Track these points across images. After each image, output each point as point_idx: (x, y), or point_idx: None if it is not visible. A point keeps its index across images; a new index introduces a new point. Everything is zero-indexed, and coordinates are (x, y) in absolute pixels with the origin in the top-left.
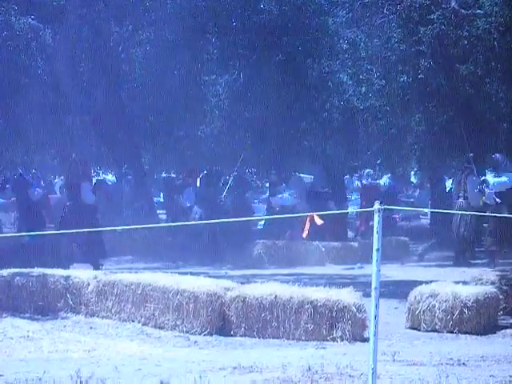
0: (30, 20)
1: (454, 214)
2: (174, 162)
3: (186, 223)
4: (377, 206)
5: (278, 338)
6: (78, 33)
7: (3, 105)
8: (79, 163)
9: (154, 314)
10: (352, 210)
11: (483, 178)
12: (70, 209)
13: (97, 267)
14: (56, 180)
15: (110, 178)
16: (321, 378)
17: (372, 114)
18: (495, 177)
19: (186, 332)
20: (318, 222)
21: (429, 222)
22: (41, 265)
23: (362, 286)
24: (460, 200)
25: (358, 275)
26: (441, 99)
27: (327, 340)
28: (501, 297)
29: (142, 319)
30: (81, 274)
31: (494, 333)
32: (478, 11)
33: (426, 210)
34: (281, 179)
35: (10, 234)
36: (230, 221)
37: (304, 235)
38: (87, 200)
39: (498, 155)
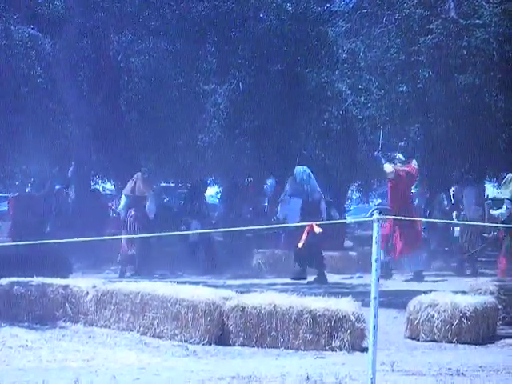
0: (29, 29)
1: (457, 224)
2: (173, 171)
3: (184, 233)
4: (376, 215)
5: (276, 347)
6: (78, 42)
7: (2, 113)
8: (143, 178)
9: (152, 324)
10: (350, 219)
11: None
12: (135, 218)
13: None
14: (57, 186)
15: (109, 186)
16: None
17: (371, 123)
18: None
19: (185, 341)
20: (317, 230)
21: (427, 231)
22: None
23: (361, 295)
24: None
25: (356, 285)
26: (440, 109)
27: (326, 350)
28: (499, 307)
29: (141, 328)
30: (80, 283)
31: (493, 343)
32: (477, 21)
33: (423, 219)
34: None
35: (8, 243)
36: (225, 230)
37: (300, 245)
38: (150, 212)
39: None
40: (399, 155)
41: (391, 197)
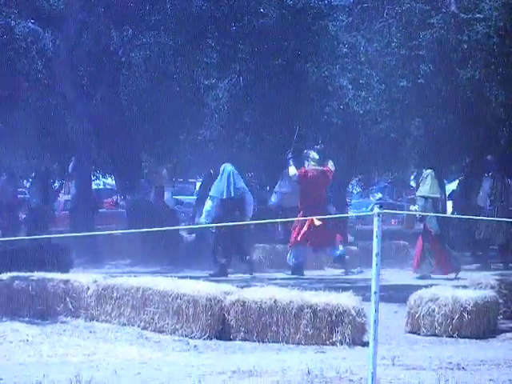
0: (29, 24)
1: (458, 218)
2: (174, 166)
3: (187, 227)
4: (376, 209)
5: (277, 342)
6: (78, 37)
7: (3, 109)
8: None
9: (153, 318)
10: (351, 213)
11: None
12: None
13: None
14: (55, 184)
15: (110, 181)
16: (320, 382)
17: (372, 118)
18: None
19: (186, 336)
20: (317, 222)
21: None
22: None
23: (362, 290)
24: (497, 204)
25: (357, 279)
26: (440, 103)
27: (327, 344)
28: (500, 301)
29: (142, 323)
30: (80, 277)
31: (494, 337)
32: (478, 15)
33: (424, 213)
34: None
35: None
36: (224, 225)
37: (299, 238)
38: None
39: None
40: (313, 154)
41: (300, 197)
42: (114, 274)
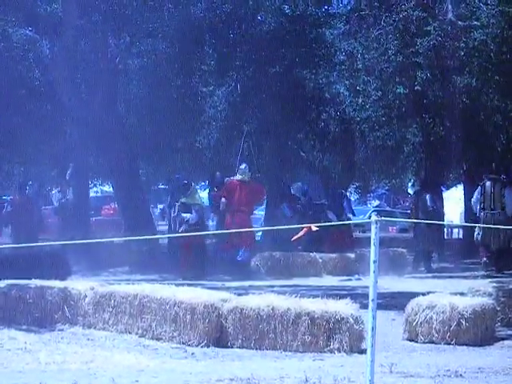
0: (27, 31)
1: (456, 226)
2: (172, 173)
3: (182, 235)
4: (374, 217)
5: (275, 349)
6: (75, 44)
7: (0, 116)
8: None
9: (151, 326)
10: (350, 221)
11: None
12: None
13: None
14: (53, 191)
15: (107, 189)
16: None
17: (369, 125)
18: None
19: (183, 343)
20: (314, 228)
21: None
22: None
23: (360, 297)
24: (497, 211)
25: (355, 287)
26: (437, 111)
27: (324, 352)
28: (498, 308)
29: (139, 331)
30: (78, 285)
31: (492, 344)
32: (475, 23)
33: (423, 221)
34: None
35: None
36: (215, 233)
37: (293, 239)
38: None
39: None
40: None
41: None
42: (112, 281)
